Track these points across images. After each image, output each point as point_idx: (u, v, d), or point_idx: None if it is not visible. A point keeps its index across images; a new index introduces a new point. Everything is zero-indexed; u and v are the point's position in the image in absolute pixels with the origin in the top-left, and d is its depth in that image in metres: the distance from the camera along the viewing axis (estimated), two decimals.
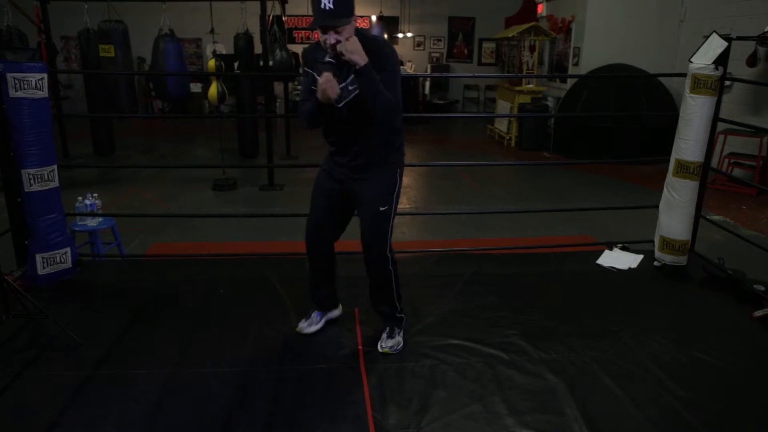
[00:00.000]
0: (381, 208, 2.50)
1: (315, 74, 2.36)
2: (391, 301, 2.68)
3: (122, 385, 2.39)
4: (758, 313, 3.03)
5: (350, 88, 2.32)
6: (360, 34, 2.28)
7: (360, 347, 2.72)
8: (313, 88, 2.38)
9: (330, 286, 2.87)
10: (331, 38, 2.20)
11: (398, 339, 2.69)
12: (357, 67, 2.21)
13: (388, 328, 2.72)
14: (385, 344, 2.66)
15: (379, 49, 2.30)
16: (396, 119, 2.45)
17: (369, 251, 2.55)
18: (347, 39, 2.18)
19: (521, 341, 2.77)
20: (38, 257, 3.16)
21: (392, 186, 2.55)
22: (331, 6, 2.13)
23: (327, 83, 2.24)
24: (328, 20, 2.17)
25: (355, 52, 2.18)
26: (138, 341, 2.73)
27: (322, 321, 2.88)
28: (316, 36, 2.37)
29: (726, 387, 2.46)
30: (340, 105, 2.35)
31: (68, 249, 3.28)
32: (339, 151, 2.54)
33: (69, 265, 3.29)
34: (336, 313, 2.96)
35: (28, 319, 2.78)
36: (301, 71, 2.54)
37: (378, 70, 2.25)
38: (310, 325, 2.84)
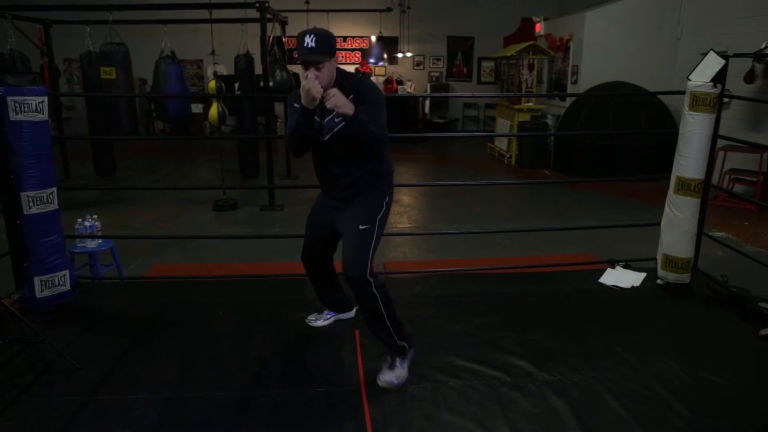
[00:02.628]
0: (361, 226, 2.50)
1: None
2: (386, 329, 2.53)
3: (120, 410, 2.35)
4: (764, 332, 2.99)
5: (336, 120, 2.43)
6: (341, 73, 2.45)
7: (360, 370, 2.68)
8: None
9: (334, 294, 3.04)
10: (311, 74, 2.33)
11: (400, 371, 2.54)
12: (347, 118, 2.33)
13: (389, 357, 2.58)
14: (383, 378, 2.52)
15: (361, 85, 2.46)
16: (382, 149, 2.54)
17: (347, 272, 2.45)
18: (332, 96, 2.27)
19: (524, 362, 2.74)
20: (37, 280, 3.14)
21: (377, 209, 2.57)
22: (313, 45, 2.31)
23: (310, 83, 2.30)
24: (309, 56, 2.32)
25: (342, 106, 2.29)
26: (136, 365, 2.70)
27: (332, 319, 3.11)
28: None
29: (733, 408, 2.41)
30: (325, 138, 2.48)
31: (67, 271, 3.27)
32: (328, 185, 2.65)
33: (68, 287, 3.28)
34: (348, 315, 3.15)
35: (25, 343, 2.75)
36: (289, 109, 2.61)
37: (361, 102, 2.37)
38: (317, 320, 3.09)
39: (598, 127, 8.39)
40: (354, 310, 3.15)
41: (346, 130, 2.39)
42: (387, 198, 2.63)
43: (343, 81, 2.43)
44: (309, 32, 2.34)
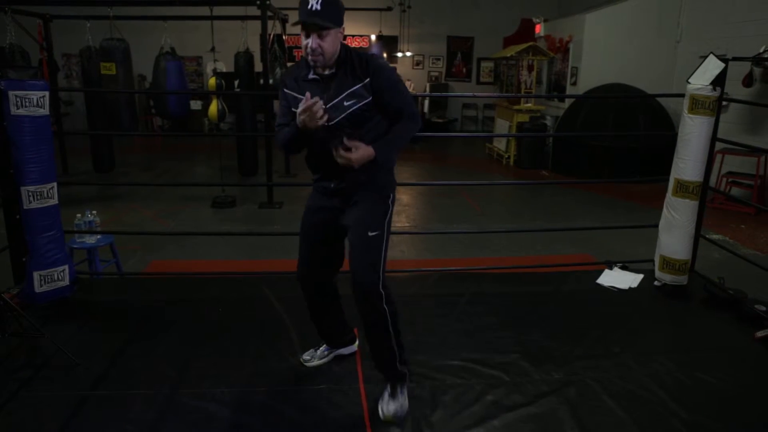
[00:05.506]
0: (370, 233, 2.21)
1: (296, 94, 2.22)
2: (390, 350, 2.28)
3: (119, 406, 2.36)
4: (760, 334, 3.01)
5: (345, 104, 2.16)
6: (346, 49, 2.18)
7: (359, 368, 2.69)
8: (294, 110, 2.18)
9: (334, 325, 2.66)
10: (313, 42, 2.06)
11: (402, 401, 2.32)
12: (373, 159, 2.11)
13: (389, 386, 2.34)
14: (387, 408, 2.28)
15: (375, 66, 2.17)
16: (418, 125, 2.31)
17: (356, 284, 2.17)
18: (355, 149, 2.07)
19: (522, 362, 2.75)
20: (36, 275, 3.14)
21: (383, 211, 2.29)
22: (318, 8, 2.02)
23: (305, 113, 2.06)
24: (311, 18, 2.03)
25: (361, 159, 2.08)
26: (136, 361, 2.71)
27: (330, 355, 2.72)
28: None
29: (729, 409, 2.43)
30: (330, 123, 2.16)
31: (66, 267, 3.27)
32: (323, 176, 2.33)
33: (66, 283, 3.28)
34: (350, 349, 2.78)
35: (24, 337, 2.75)
36: (281, 94, 2.32)
37: (378, 89, 2.16)
38: (313, 359, 2.70)
39: (596, 128, 8.41)
40: (355, 343, 2.80)
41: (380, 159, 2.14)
42: (391, 196, 2.34)
43: (348, 58, 2.15)
44: None
